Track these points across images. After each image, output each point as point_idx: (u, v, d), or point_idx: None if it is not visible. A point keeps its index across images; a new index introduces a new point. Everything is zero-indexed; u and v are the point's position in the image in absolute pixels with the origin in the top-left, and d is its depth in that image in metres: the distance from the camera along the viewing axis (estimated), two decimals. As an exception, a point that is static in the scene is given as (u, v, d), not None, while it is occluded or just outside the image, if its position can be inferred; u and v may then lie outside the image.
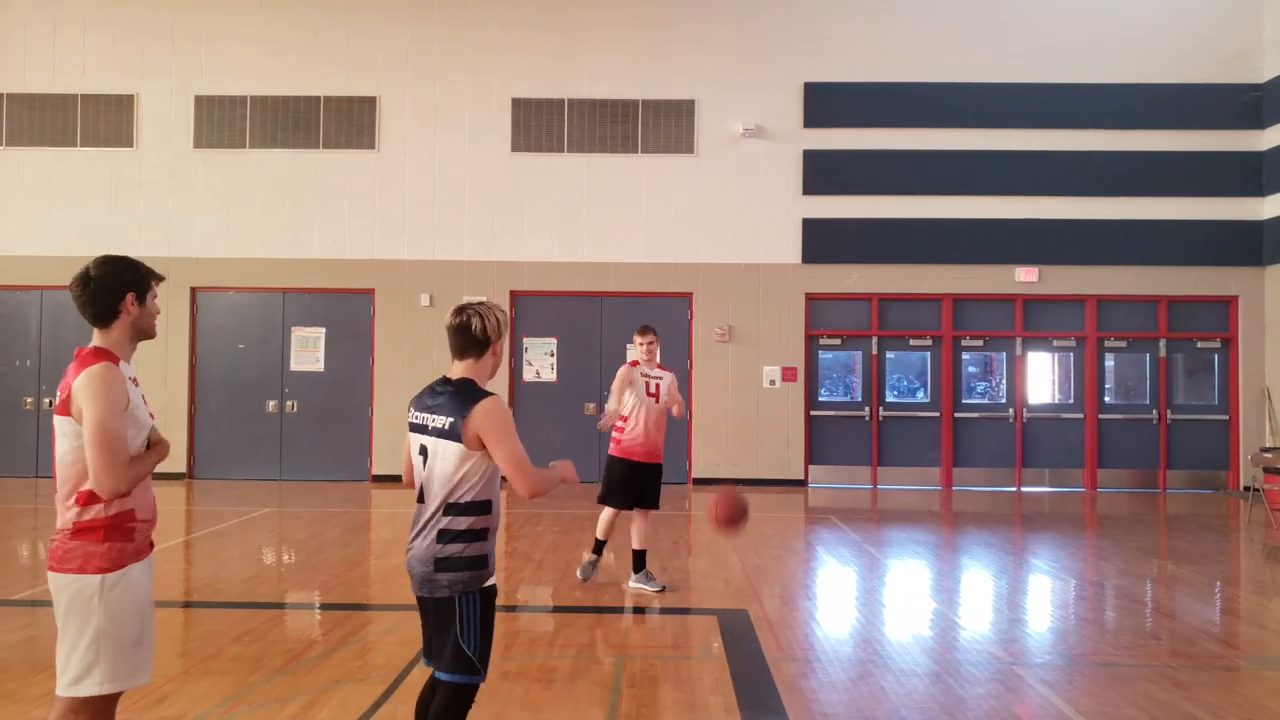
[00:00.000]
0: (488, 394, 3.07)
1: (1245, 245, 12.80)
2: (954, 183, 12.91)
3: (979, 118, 12.92)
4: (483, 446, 3.00)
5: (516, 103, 13.16)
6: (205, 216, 13.18)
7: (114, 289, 2.74)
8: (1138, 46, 12.89)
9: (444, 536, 3.00)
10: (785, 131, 13.08)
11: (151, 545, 2.89)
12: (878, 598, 6.97)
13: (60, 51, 13.32)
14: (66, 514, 2.71)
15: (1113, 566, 7.98)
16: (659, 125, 13.13)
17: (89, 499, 2.68)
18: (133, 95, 13.26)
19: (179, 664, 4.96)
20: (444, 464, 3.02)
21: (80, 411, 2.63)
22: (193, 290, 13.16)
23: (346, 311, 13.17)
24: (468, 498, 3.02)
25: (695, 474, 12.96)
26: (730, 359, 12.98)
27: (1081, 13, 12.94)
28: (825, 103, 13.02)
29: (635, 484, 6.88)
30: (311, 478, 13.02)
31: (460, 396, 3.05)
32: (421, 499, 3.08)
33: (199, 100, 13.24)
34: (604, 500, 6.97)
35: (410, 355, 13.03)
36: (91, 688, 2.64)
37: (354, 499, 11.56)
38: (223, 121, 13.26)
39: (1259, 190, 12.77)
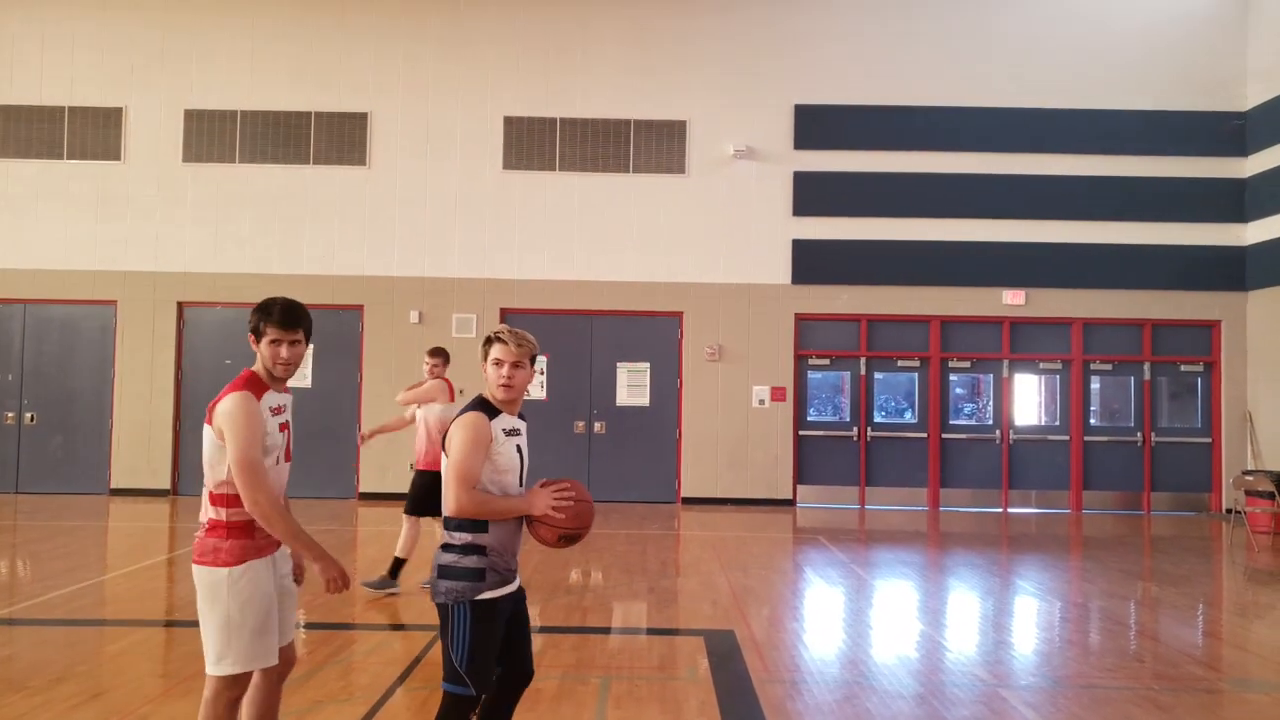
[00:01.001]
0: (474, 408, 3.20)
1: (1228, 270, 12.94)
2: (942, 205, 13.01)
3: (967, 141, 13.05)
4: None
5: (509, 121, 13.22)
6: (193, 231, 13.15)
7: (249, 325, 3.24)
8: (1124, 73, 13.06)
9: (445, 548, 3.16)
10: (776, 153, 13.18)
11: (276, 544, 3.22)
12: (864, 619, 6.96)
13: (48, 64, 13.31)
14: (204, 513, 3.14)
15: (1097, 588, 8.00)
16: (651, 145, 13.21)
17: (219, 501, 3.10)
18: (121, 108, 13.25)
19: (158, 685, 4.90)
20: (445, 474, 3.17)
21: (221, 431, 3.06)
22: (180, 305, 13.10)
23: (335, 328, 13.14)
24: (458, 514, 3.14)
25: (684, 493, 12.94)
26: (720, 378, 13.01)
27: (1069, 39, 13.11)
28: (816, 124, 13.13)
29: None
30: (298, 495, 12.86)
31: (462, 409, 3.27)
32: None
33: (189, 114, 13.24)
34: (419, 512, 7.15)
35: (399, 372, 12.99)
36: (227, 667, 3.05)
37: (340, 516, 11.49)
38: (212, 136, 13.26)
39: (1241, 216, 12.92)
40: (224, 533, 3.08)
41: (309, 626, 6.15)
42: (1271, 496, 10.93)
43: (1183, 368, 13.18)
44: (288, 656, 3.33)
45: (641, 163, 13.20)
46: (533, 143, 13.23)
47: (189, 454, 12.99)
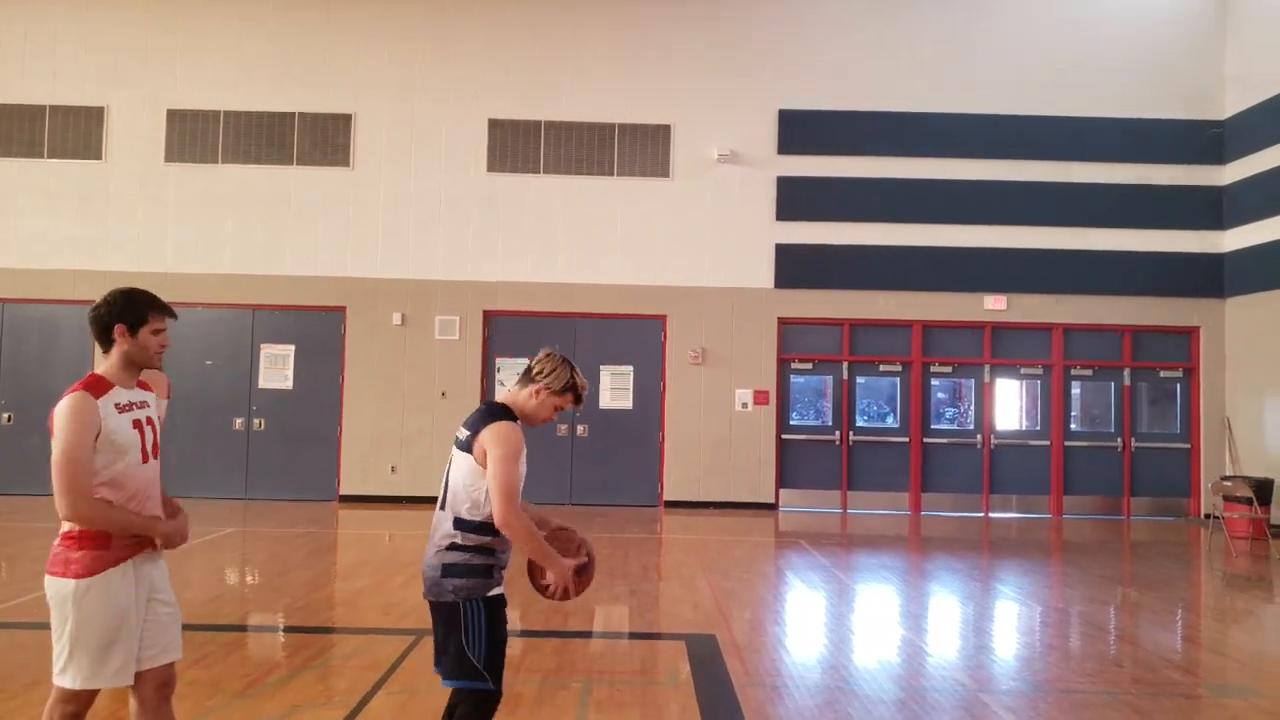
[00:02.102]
0: (509, 418, 3.19)
1: (1206, 277, 13.07)
2: (925, 210, 13.08)
3: (950, 147, 13.12)
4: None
5: (493, 124, 13.18)
6: (175, 231, 13.05)
7: (105, 319, 3.05)
8: (1105, 81, 13.18)
9: (454, 548, 3.13)
10: (760, 157, 13.21)
11: (137, 549, 3.03)
12: (846, 623, 6.98)
13: (29, 61, 13.17)
14: (61, 522, 2.99)
15: (1077, 593, 8.05)
16: (635, 149, 13.21)
17: None
18: (103, 107, 13.13)
19: (135, 688, 4.84)
20: (455, 474, 3.17)
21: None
22: (160, 305, 12.98)
23: (317, 329, 13.07)
24: (477, 517, 3.13)
25: (667, 497, 12.93)
26: (703, 381, 13.02)
27: (1051, 47, 13.22)
28: (799, 130, 13.18)
29: None
30: (278, 497, 12.84)
31: (486, 414, 3.20)
32: (441, 506, 3.22)
33: (171, 114, 13.14)
34: None
35: (381, 374, 12.95)
36: (67, 681, 2.92)
37: (320, 519, 11.41)
38: (195, 135, 13.16)
39: (1219, 224, 13.06)
40: (75, 543, 2.93)
41: (286, 630, 6.10)
42: (1249, 502, 11.04)
43: (1162, 373, 13.30)
44: (164, 675, 3.12)
45: (626, 166, 13.20)
46: (517, 145, 13.21)
47: (168, 455, 12.80)
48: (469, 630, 3.09)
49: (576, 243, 13.11)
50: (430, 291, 13.01)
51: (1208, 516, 12.37)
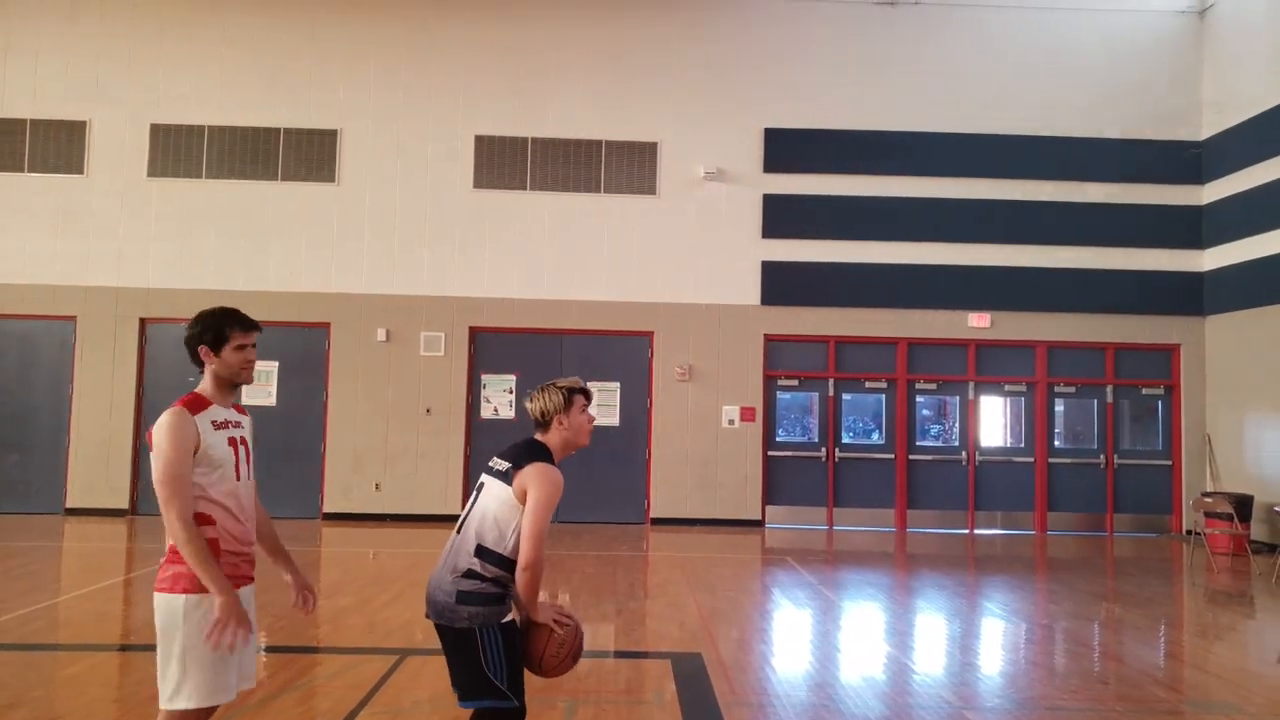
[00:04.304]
0: (549, 461, 3.30)
1: (1186, 296, 13.21)
2: (909, 229, 13.17)
3: (935, 166, 13.23)
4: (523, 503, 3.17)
5: (480, 140, 13.21)
6: (157, 246, 12.97)
7: (191, 341, 3.15)
8: (1087, 102, 13.34)
9: (469, 575, 3.16)
10: (746, 175, 13.28)
11: (246, 576, 3.16)
12: (832, 641, 6.96)
13: (11, 75, 13.10)
14: (169, 538, 3.00)
15: (1062, 609, 8.07)
16: (622, 166, 13.26)
17: None
18: (85, 122, 13.07)
19: (112, 710, 4.78)
20: (488, 501, 3.22)
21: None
22: (142, 321, 12.90)
23: (301, 345, 13.00)
24: (501, 550, 3.18)
25: (654, 514, 12.90)
26: (690, 398, 13.02)
27: (1034, 68, 13.38)
28: (785, 148, 13.26)
29: None
30: (260, 514, 12.68)
31: (528, 450, 3.30)
32: (459, 530, 3.26)
33: (154, 128, 13.09)
34: None
35: (365, 390, 12.88)
36: (182, 702, 2.89)
37: (303, 537, 11.31)
38: (178, 150, 13.11)
39: (1198, 243, 13.22)
40: (182, 558, 2.96)
41: (268, 650, 6.04)
42: (1230, 518, 11.13)
43: (1144, 390, 13.41)
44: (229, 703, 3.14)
45: (613, 183, 13.24)
46: (504, 162, 13.24)
47: (149, 473, 12.73)
48: (488, 655, 3.14)
49: (563, 259, 13.12)
50: (415, 307, 12.98)
51: (1189, 533, 12.44)
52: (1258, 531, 11.54)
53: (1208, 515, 11.36)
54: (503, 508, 3.18)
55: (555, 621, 3.28)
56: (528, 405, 3.44)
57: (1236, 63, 12.76)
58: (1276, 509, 10.85)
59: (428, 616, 3.21)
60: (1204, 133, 13.25)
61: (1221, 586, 9.52)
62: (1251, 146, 12.24)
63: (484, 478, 3.31)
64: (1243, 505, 11.41)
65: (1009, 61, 13.41)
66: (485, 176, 13.21)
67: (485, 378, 13.07)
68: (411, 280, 13.03)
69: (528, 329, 13.07)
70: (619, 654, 6.30)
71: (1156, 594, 9.05)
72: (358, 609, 7.31)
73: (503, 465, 3.28)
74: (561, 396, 3.40)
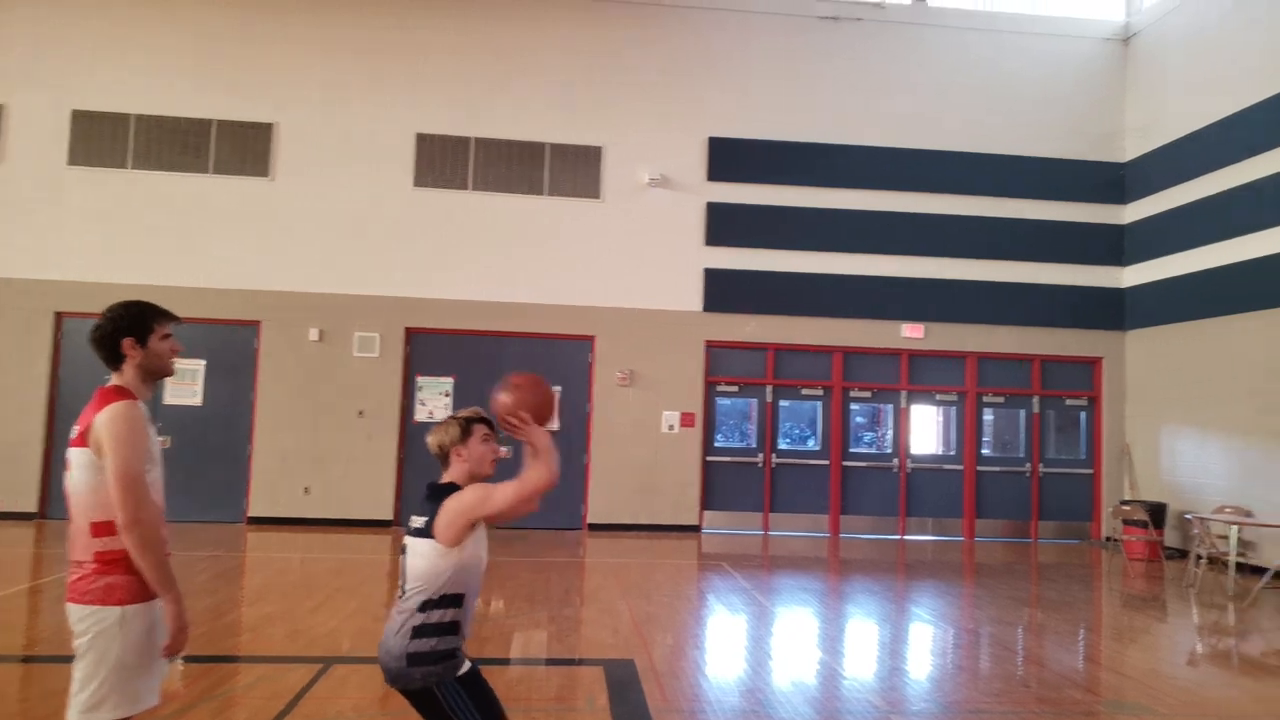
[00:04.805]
0: (457, 487, 3.18)
1: (1109, 310, 13.67)
2: (848, 240, 13.39)
3: (874, 180, 13.47)
4: (458, 534, 3.07)
5: (422, 138, 13.03)
6: (78, 238, 12.48)
7: (112, 335, 2.97)
8: (1019, 122, 13.73)
9: (418, 634, 3.07)
10: (690, 183, 13.35)
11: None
12: (765, 647, 7.01)
13: (-74, 57, 12.51)
14: (87, 545, 2.81)
15: (987, 614, 8.25)
16: (566, 169, 13.21)
17: (107, 529, 2.79)
18: (1, 105, 12.53)
19: (18, 722, 4.56)
20: (415, 562, 3.10)
21: (100, 447, 2.79)
22: (58, 315, 12.39)
23: (229, 343, 12.64)
24: (439, 593, 3.08)
25: (591, 520, 12.85)
26: (630, 403, 13.01)
27: (970, 88, 13.72)
28: (729, 157, 13.36)
29: None
30: (182, 518, 12.25)
31: (434, 496, 3.17)
32: (402, 595, 3.14)
33: (77, 115, 12.60)
34: None
35: (296, 391, 12.58)
36: (105, 714, 2.75)
37: (226, 542, 10.98)
38: (102, 139, 12.65)
39: (1120, 260, 13.69)
40: (118, 568, 2.78)
41: (185, 659, 5.83)
42: (1146, 525, 11.53)
43: (1067, 402, 13.83)
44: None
45: (557, 186, 13.18)
46: (446, 161, 13.08)
47: (60, 474, 12.22)
48: (456, 711, 3.08)
49: (505, 261, 13.00)
50: (350, 307, 12.73)
51: (1108, 539, 12.88)
52: (1171, 538, 11.98)
53: (1125, 523, 11.76)
54: (429, 558, 3.08)
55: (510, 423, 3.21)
56: (427, 440, 3.32)
57: (1157, 90, 13.26)
58: (1187, 516, 11.27)
59: (389, 683, 3.13)
60: (1127, 155, 13.74)
61: (1137, 591, 9.85)
62: (1170, 170, 12.73)
63: (405, 539, 3.20)
64: (1157, 513, 11.84)
65: (947, 81, 13.73)
66: (427, 175, 13.03)
67: (421, 380, 12.88)
68: (347, 279, 12.78)
69: (466, 331, 12.92)
70: (551, 661, 6.25)
71: (1077, 599, 9.32)
72: (282, 616, 7.12)
73: (418, 522, 3.15)
74: (458, 428, 3.27)
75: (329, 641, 6.40)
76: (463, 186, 13.06)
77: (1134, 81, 13.77)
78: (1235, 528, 9.90)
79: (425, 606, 3.07)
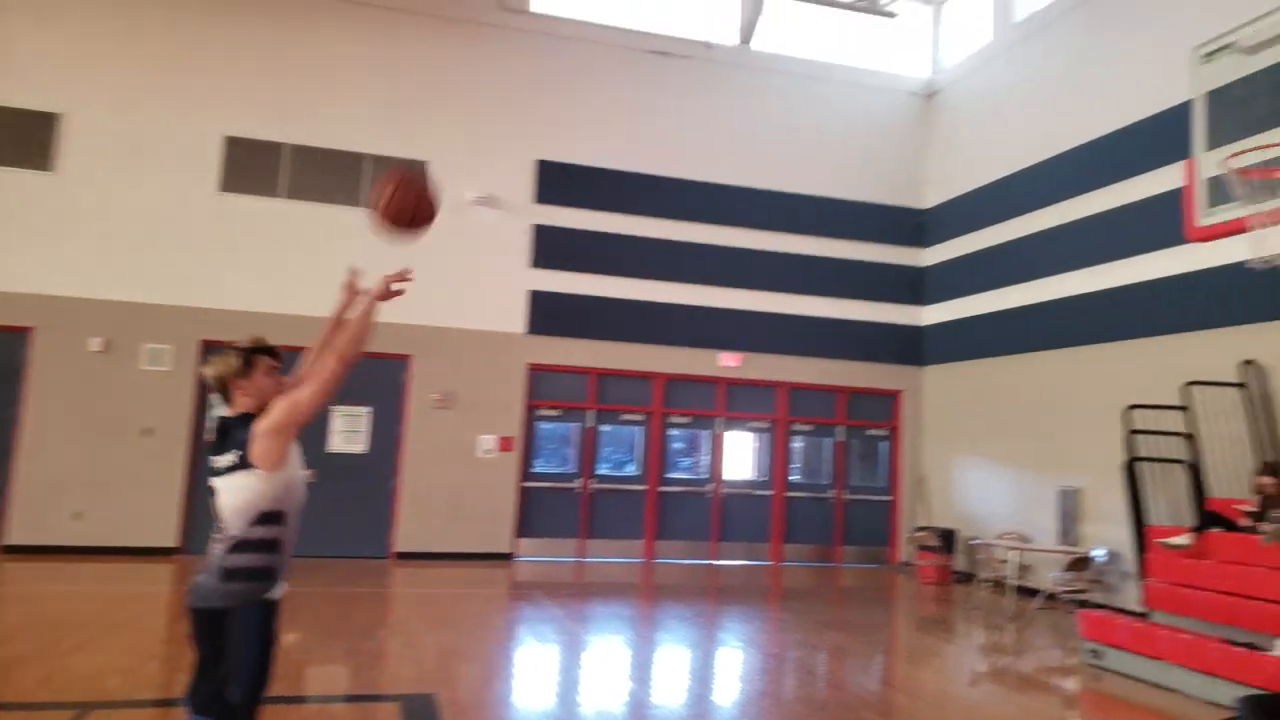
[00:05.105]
0: (253, 416, 3.16)
1: (908, 347, 14.60)
2: (671, 269, 13.63)
3: (698, 213, 13.80)
4: (280, 453, 3.08)
5: (231, 141, 12.19)
6: None
7: None
8: (833, 166, 14.48)
9: (238, 547, 3.05)
10: (517, 204, 13.18)
11: None
12: (573, 676, 6.88)
13: None
14: None
15: (792, 639, 8.49)
16: (386, 182, 12.69)
17: None
18: None
19: None
20: (225, 499, 3.11)
21: None
22: None
23: (-8, 350, 11.27)
24: (261, 512, 3.08)
25: (400, 548, 12.29)
26: (447, 426, 12.60)
27: (793, 131, 14.34)
28: (557, 181, 13.32)
29: None
30: (-76, 546, 10.78)
31: (230, 430, 3.16)
32: (217, 530, 3.14)
33: None
34: None
35: (75, 405, 11.36)
36: None
37: (-22, 573, 9.71)
38: None
39: (920, 300, 14.68)
40: None
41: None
42: (938, 550, 12.32)
43: (869, 432, 14.62)
44: None
45: (377, 199, 12.64)
46: (256, 166, 12.28)
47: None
48: (245, 636, 3.00)
49: (317, 274, 12.23)
50: (140, 316, 11.66)
51: (905, 564, 13.66)
52: (960, 562, 12.84)
53: (920, 548, 12.52)
54: (253, 489, 3.06)
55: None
56: (204, 371, 3.21)
57: (955, 144, 14.38)
58: (972, 542, 12.13)
59: (189, 604, 3.09)
60: (928, 202, 14.79)
61: (929, 614, 10.46)
62: (963, 219, 13.80)
63: (212, 483, 3.15)
64: (948, 539, 12.67)
65: (767, 122, 14.31)
66: (235, 180, 12.19)
67: (214, 397, 11.92)
68: (137, 286, 11.71)
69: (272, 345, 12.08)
70: (348, 698, 5.87)
71: (875, 622, 9.77)
72: (35, 658, 6.30)
73: (226, 460, 3.09)
74: (239, 359, 3.11)
75: (88, 685, 5.71)
76: (275, 194, 12.32)
77: (935, 135, 14.87)
78: (1014, 553, 10.73)
79: (246, 525, 3.05)
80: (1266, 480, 7.49)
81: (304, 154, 12.44)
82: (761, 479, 14.11)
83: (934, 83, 14.97)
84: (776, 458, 14.08)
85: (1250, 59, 6.26)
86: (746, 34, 14.33)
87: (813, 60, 14.64)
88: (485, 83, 13.22)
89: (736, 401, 14.02)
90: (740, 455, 14.22)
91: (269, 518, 3.06)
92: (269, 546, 3.07)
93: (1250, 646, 6.37)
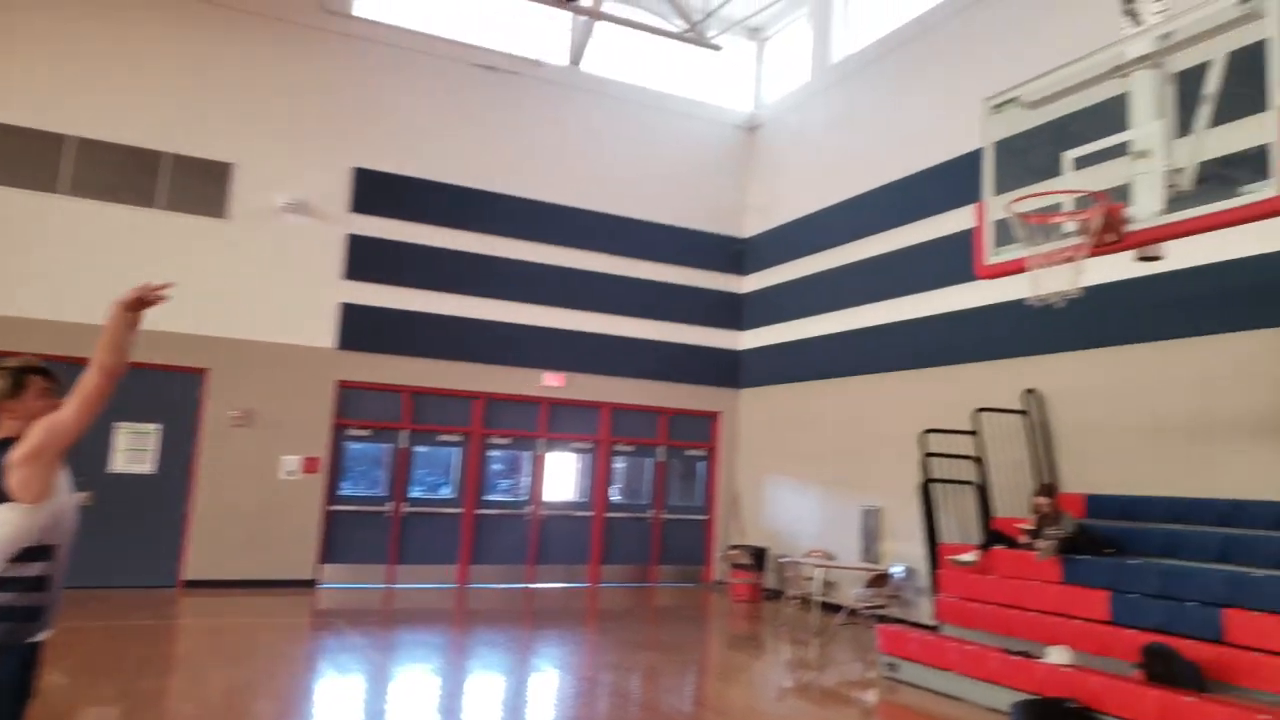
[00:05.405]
0: (12, 441, 2.89)
1: (726, 370, 15.01)
2: (496, 287, 13.37)
3: (521, 229, 13.62)
4: (42, 484, 2.83)
5: (2, 129, 10.92)
6: None
7: None
8: (658, 191, 14.71)
9: (3, 585, 2.79)
10: (331, 212, 12.54)
11: None
12: (376, 709, 6.49)
13: None
14: None
15: (606, 660, 8.42)
16: (188, 183, 11.77)
17: None
18: None
19: None
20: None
21: None
22: None
23: None
24: (28, 545, 2.84)
25: (190, 576, 11.29)
26: (245, 445, 11.73)
27: (615, 154, 14.45)
28: (376, 190, 12.79)
29: None
30: None
31: None
32: None
33: None
34: None
35: None
36: None
37: None
38: None
39: (739, 325, 15.15)
40: None
41: None
42: (749, 568, 12.64)
43: (688, 452, 14.89)
44: None
45: (176, 200, 11.70)
46: (31, 158, 11.05)
47: None
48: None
49: (103, 279, 11.15)
50: (-122, 316, 10.20)
51: (718, 582, 13.94)
52: (770, 580, 13.23)
53: (733, 566, 12.82)
54: (14, 524, 2.79)
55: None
56: None
57: (774, 177, 14.99)
58: (781, 559, 12.55)
59: None
60: (748, 231, 15.32)
61: (739, 631, 10.69)
62: (780, 249, 14.38)
63: None
64: (759, 557, 13.05)
65: (596, 144, 14.38)
66: (6, 174, 10.92)
67: (-25, 410, 10.60)
68: (-125, 281, 10.24)
69: (51, 356, 10.81)
70: (109, 749, 5.24)
71: (688, 640, 9.87)
72: None
73: None
74: (9, 380, 2.79)
75: None
76: (55, 190, 11.14)
77: (756, 167, 15.45)
78: (820, 570, 11.16)
79: (6, 563, 2.79)
80: (1042, 500, 8.15)
81: (91, 148, 11.33)
82: (582, 500, 14.03)
83: (756, 116, 15.57)
84: (598, 478, 14.06)
85: (1031, 113, 6.83)
86: (577, 55, 14.39)
87: (642, 87, 14.87)
88: (302, 86, 12.55)
89: (559, 422, 13.90)
90: (562, 476, 14.09)
91: (34, 553, 2.81)
92: (35, 584, 2.81)
93: (1024, 655, 6.86)
